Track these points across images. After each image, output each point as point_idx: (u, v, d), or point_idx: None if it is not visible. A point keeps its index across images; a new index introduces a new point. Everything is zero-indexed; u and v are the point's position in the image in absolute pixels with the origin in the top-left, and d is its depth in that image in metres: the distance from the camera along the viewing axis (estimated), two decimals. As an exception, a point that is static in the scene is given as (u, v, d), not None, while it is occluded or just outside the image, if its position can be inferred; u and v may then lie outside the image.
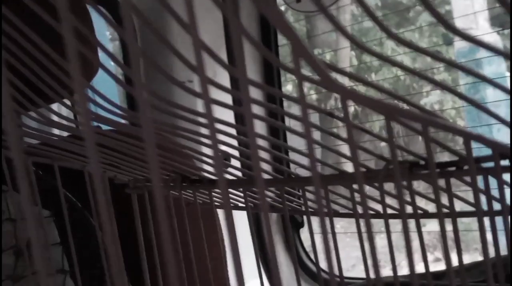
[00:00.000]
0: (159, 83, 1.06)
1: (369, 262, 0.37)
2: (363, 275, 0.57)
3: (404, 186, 0.37)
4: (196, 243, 0.52)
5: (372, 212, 0.46)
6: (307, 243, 1.44)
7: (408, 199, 0.37)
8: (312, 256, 1.43)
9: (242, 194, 0.52)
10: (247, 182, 0.50)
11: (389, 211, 0.43)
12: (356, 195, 0.43)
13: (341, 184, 0.45)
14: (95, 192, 0.20)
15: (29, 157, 0.51)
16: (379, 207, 0.44)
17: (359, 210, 0.43)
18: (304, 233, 1.45)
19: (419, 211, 0.41)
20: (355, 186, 0.43)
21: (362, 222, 0.43)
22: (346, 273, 0.62)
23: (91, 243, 0.62)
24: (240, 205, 0.56)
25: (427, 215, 0.43)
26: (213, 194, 0.53)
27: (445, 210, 0.36)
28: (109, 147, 0.46)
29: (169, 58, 1.09)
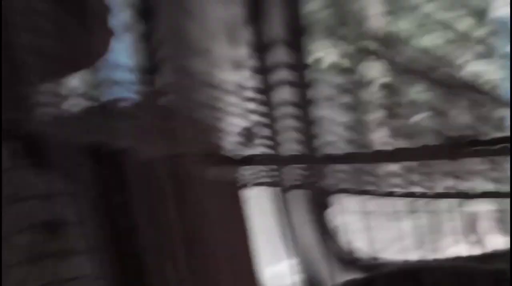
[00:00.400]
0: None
1: (406, 243, 0.37)
2: (396, 257, 0.57)
3: (460, 165, 0.36)
4: (221, 222, 0.52)
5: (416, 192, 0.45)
6: (336, 223, 1.44)
7: (461, 178, 0.37)
8: (342, 236, 1.43)
9: (271, 172, 0.52)
10: (279, 159, 0.49)
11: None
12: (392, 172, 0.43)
13: (392, 162, 0.43)
14: (128, 172, 0.20)
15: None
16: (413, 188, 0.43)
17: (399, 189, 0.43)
18: (333, 213, 1.44)
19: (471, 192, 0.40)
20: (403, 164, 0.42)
21: (395, 203, 0.43)
22: (377, 255, 0.63)
23: (122, 221, 0.63)
24: (266, 182, 0.56)
25: (485, 194, 0.42)
26: (241, 171, 0.53)
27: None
28: (132, 120, 0.47)
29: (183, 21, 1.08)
